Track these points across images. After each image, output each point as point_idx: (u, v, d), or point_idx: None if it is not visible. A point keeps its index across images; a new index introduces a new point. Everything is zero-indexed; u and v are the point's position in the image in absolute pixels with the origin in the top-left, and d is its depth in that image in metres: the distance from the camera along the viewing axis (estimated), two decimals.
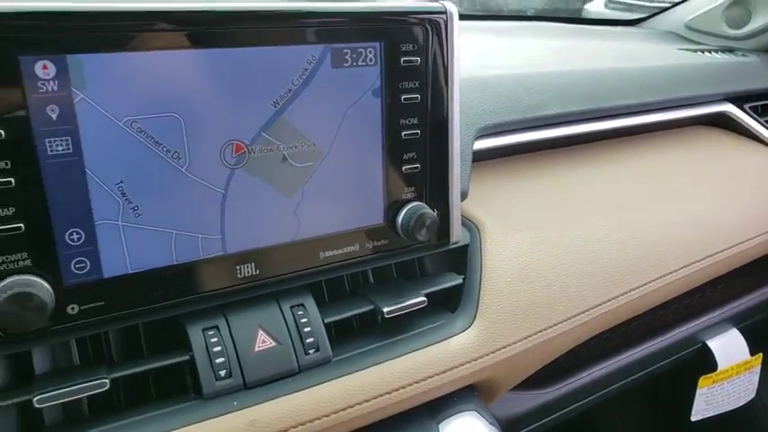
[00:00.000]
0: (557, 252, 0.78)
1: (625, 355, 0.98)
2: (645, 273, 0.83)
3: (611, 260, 0.80)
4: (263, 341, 0.59)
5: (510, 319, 0.71)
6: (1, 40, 0.43)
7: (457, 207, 0.68)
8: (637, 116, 1.00)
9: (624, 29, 1.64)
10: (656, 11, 1.63)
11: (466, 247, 0.74)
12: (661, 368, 1.04)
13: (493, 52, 1.07)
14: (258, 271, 0.58)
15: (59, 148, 0.47)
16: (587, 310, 0.77)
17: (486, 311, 0.70)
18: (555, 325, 0.74)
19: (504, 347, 0.69)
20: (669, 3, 1.62)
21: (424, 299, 0.66)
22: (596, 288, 0.78)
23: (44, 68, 0.46)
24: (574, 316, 0.75)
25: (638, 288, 0.81)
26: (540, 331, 0.72)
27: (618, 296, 0.79)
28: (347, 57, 0.58)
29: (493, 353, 0.69)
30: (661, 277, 0.85)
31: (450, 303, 0.72)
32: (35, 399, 0.49)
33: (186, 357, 0.56)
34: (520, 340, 0.71)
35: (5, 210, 0.46)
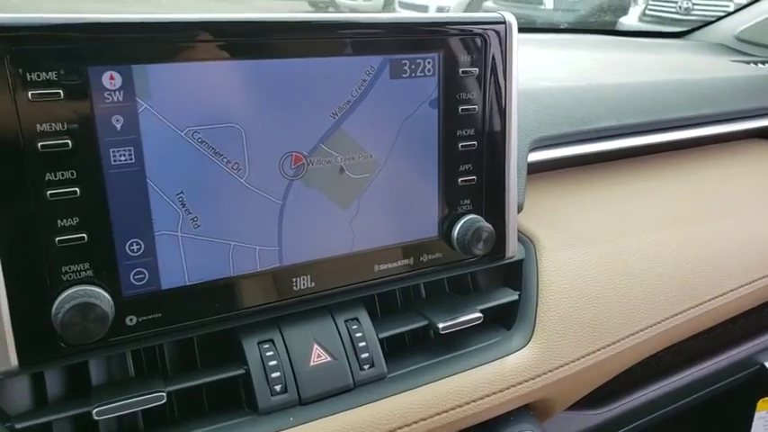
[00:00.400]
0: (614, 268, 0.75)
1: (679, 377, 0.95)
2: (703, 291, 0.81)
3: (669, 277, 0.78)
4: (319, 355, 0.57)
5: (568, 338, 0.69)
6: (72, 52, 0.44)
7: (513, 220, 0.66)
8: (691, 129, 0.97)
9: (670, 41, 1.61)
10: (699, 24, 1.59)
11: (521, 262, 0.72)
12: (716, 390, 1.00)
13: (540, 64, 1.05)
14: (314, 284, 0.57)
15: (122, 158, 0.47)
16: (646, 329, 0.75)
17: (543, 329, 0.68)
18: (614, 343, 0.71)
19: (562, 366, 0.67)
20: (710, 16, 1.58)
21: (480, 315, 0.65)
22: (655, 306, 0.75)
23: (111, 79, 0.46)
24: (633, 334, 0.73)
25: (697, 306, 0.78)
26: (599, 350, 0.70)
27: (677, 314, 0.76)
28: (405, 68, 0.57)
29: (551, 372, 0.66)
30: (720, 296, 0.82)
31: (505, 320, 0.70)
32: (94, 411, 0.48)
33: (241, 371, 0.55)
34: (578, 359, 0.68)
35: (70, 220, 0.46)
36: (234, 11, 0.51)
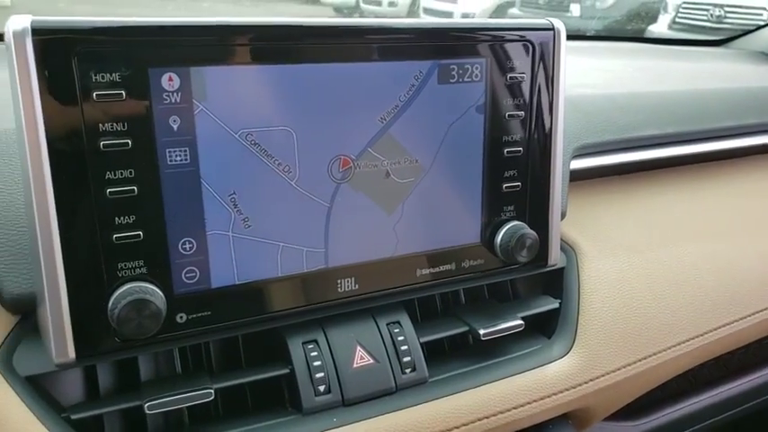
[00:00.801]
0: (656, 278, 0.74)
1: (719, 390, 0.93)
2: (747, 303, 0.79)
3: (713, 288, 0.77)
4: (361, 357, 0.58)
5: (609, 346, 0.68)
6: (134, 54, 0.45)
7: (557, 228, 0.66)
8: (735, 139, 0.96)
9: (707, 49, 1.59)
10: (732, 32, 1.57)
11: (562, 270, 0.72)
12: (757, 406, 0.98)
13: (579, 71, 1.04)
14: (357, 286, 0.58)
15: (178, 158, 0.48)
16: (689, 340, 0.74)
17: (584, 337, 0.67)
18: (655, 354, 0.70)
19: (602, 376, 0.67)
20: (743, 24, 1.56)
21: (521, 322, 0.65)
22: (698, 317, 0.74)
23: (170, 80, 0.47)
24: (675, 345, 0.72)
25: (743, 319, 0.77)
26: (640, 360, 0.69)
27: (722, 326, 0.75)
28: (453, 72, 0.58)
29: (592, 381, 0.66)
30: (765, 309, 0.80)
31: (545, 328, 0.70)
32: (146, 405, 0.49)
33: (286, 371, 0.56)
34: (619, 368, 0.68)
35: (127, 218, 0.47)
36: (255, 15, 0.52)
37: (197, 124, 0.48)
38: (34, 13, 0.43)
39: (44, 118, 0.43)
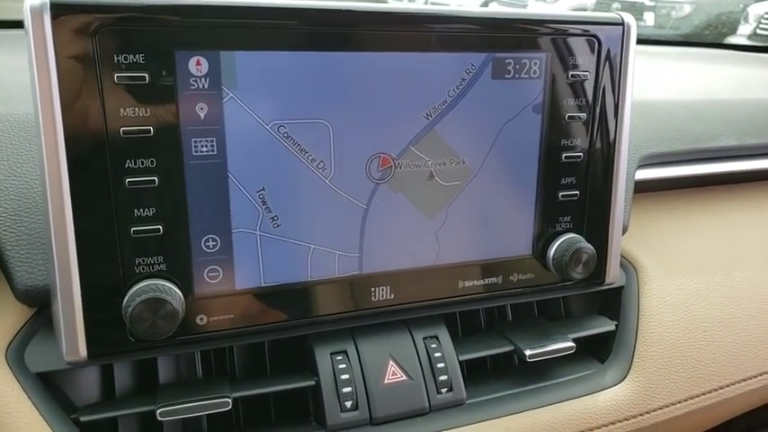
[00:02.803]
0: (725, 303, 0.68)
1: None
2: None
3: None
4: (394, 373, 0.53)
5: (669, 376, 0.62)
6: (159, 34, 0.42)
7: (617, 243, 0.60)
8: None
9: None
10: None
11: (621, 289, 0.65)
12: None
13: (653, 76, 0.97)
14: (393, 295, 0.54)
15: (204, 148, 0.45)
16: (758, 376, 0.66)
17: (642, 365, 0.61)
18: (721, 389, 0.64)
19: (660, 408, 0.60)
20: None
21: (573, 344, 0.59)
22: None
23: (197, 65, 0.43)
24: (744, 380, 0.65)
25: None
26: (704, 393, 0.63)
27: None
28: (509, 67, 0.53)
29: (647, 414, 0.60)
30: None
31: (599, 351, 0.64)
32: (158, 411, 0.46)
33: (311, 382, 0.52)
34: (679, 402, 0.61)
35: (146, 210, 0.44)
36: None
37: (225, 113, 0.45)
38: None
39: (61, 100, 0.40)
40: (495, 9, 0.52)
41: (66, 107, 0.40)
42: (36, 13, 0.39)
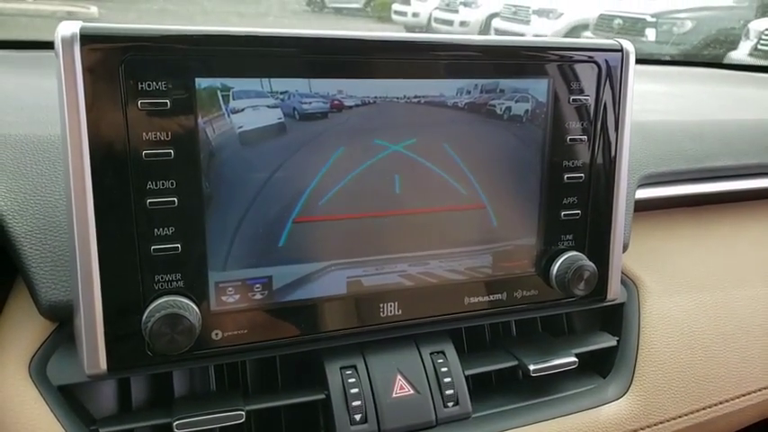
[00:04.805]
0: (725, 319, 0.69)
1: None
2: None
3: None
4: (401, 387, 0.55)
5: (669, 391, 0.63)
6: (181, 63, 0.44)
7: (618, 260, 0.61)
8: None
9: None
10: None
11: (622, 305, 0.67)
12: None
13: (650, 96, 0.99)
14: (401, 311, 0.55)
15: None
16: (758, 391, 0.68)
17: (643, 379, 0.62)
18: (722, 403, 0.65)
19: (662, 423, 0.62)
20: None
21: (575, 359, 0.60)
22: None
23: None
24: (744, 395, 0.66)
25: None
26: (704, 408, 0.64)
27: None
28: (513, 92, 0.55)
29: (649, 427, 0.61)
30: None
31: (601, 366, 0.65)
32: (175, 423, 0.48)
33: (322, 396, 0.53)
34: (680, 416, 0.63)
35: (166, 229, 0.46)
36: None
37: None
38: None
39: (88, 124, 0.42)
40: (502, 37, 0.54)
41: (92, 131, 0.42)
42: (67, 42, 0.41)
